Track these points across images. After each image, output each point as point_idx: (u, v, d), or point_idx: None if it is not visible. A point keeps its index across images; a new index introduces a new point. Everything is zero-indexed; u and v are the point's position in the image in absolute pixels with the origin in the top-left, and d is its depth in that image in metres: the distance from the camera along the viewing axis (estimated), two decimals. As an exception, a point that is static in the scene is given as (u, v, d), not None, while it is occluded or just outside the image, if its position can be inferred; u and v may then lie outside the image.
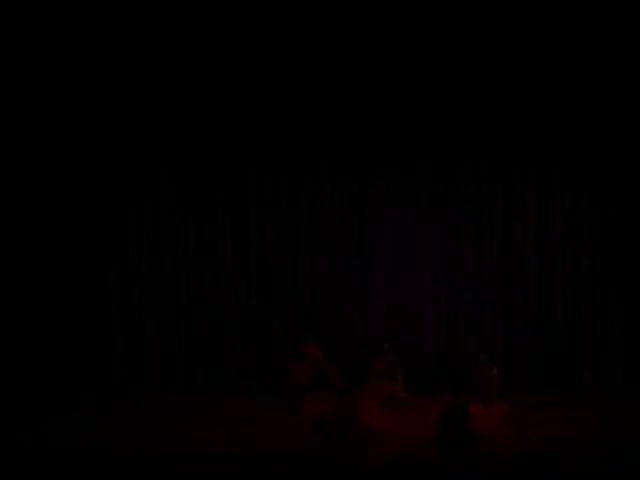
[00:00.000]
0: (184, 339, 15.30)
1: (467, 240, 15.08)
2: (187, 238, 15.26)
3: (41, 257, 14.83)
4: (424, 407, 12.82)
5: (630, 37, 13.98)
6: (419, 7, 14.03)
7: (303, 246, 15.26)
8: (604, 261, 14.89)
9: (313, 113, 14.83)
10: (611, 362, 14.89)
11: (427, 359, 14.95)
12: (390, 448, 11.67)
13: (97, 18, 14.01)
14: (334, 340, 15.06)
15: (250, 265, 15.29)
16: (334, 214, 15.22)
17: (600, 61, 14.21)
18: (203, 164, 15.19)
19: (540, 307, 15.02)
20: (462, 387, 11.94)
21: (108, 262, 15.22)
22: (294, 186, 15.24)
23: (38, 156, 14.75)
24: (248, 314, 15.19)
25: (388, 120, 14.82)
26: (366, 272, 15.19)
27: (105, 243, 15.19)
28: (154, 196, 15.26)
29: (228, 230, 15.30)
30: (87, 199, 15.02)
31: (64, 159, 14.86)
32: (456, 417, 11.60)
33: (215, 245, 15.29)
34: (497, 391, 13.34)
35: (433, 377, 14.78)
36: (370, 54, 14.36)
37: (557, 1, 13.86)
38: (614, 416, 13.15)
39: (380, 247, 15.19)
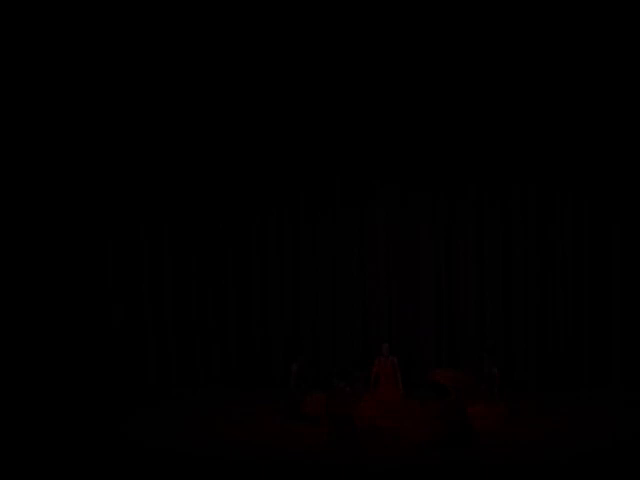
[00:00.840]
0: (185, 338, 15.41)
1: (467, 240, 15.10)
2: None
3: (42, 262, 14.84)
4: (423, 407, 12.82)
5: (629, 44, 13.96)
6: (418, 26, 13.98)
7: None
8: (604, 267, 14.93)
9: (318, 135, 14.88)
10: (611, 361, 14.92)
11: (427, 360, 14.99)
12: (389, 448, 11.71)
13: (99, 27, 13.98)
14: (335, 340, 15.23)
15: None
16: (334, 214, 15.29)
17: (602, 82, 14.19)
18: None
19: (540, 308, 15.06)
20: (461, 387, 12.01)
21: (108, 262, 15.30)
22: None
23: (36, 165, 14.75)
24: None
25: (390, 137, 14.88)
26: (367, 274, 15.25)
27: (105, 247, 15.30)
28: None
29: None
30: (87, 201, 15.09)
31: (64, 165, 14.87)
32: (455, 416, 11.64)
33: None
34: (498, 391, 13.35)
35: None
36: (373, 74, 14.35)
37: (558, 16, 13.74)
38: (614, 415, 13.21)
39: (380, 250, 15.23)
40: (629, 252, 14.85)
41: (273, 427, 12.77)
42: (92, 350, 15.03)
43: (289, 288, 15.32)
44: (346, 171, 15.10)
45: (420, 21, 13.81)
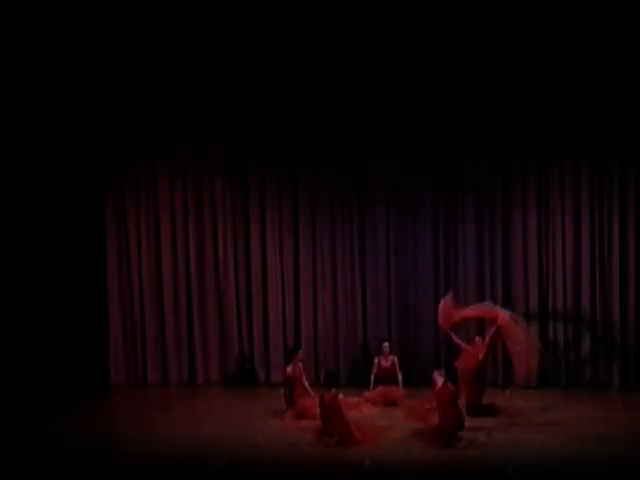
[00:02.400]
0: (184, 338, 15.38)
1: (468, 239, 15.02)
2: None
3: (41, 259, 14.76)
4: (422, 405, 12.83)
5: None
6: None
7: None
8: (603, 250, 14.71)
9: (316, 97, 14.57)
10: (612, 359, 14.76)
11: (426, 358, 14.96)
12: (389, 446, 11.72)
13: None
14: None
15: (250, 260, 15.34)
16: (334, 213, 15.24)
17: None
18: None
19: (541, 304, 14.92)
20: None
21: (107, 259, 15.30)
22: (293, 171, 15.23)
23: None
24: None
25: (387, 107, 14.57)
26: (366, 271, 15.20)
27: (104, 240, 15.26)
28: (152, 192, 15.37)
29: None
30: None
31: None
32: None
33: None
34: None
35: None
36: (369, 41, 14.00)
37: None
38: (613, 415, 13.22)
39: (380, 245, 15.17)
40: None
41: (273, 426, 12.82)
42: (87, 349, 14.98)
43: (289, 285, 15.30)
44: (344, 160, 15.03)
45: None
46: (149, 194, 15.36)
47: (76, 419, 13.40)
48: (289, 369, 13.40)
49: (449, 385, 11.79)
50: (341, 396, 11.98)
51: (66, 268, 14.69)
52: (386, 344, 14.08)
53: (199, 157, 15.22)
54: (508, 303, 14.62)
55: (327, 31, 13.93)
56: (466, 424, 12.21)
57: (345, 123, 14.81)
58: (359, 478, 10.87)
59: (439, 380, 11.84)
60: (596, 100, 14.25)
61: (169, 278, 15.31)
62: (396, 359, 14.01)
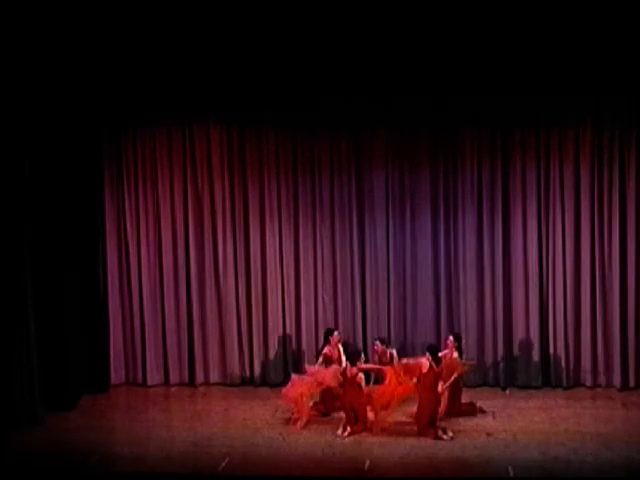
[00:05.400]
0: (184, 338, 15.38)
1: (470, 236, 14.97)
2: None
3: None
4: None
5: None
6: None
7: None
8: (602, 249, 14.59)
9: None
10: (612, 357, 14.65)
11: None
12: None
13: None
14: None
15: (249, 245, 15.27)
16: (334, 213, 15.23)
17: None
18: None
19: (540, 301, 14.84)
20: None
21: (107, 258, 15.25)
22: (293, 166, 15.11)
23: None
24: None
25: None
26: (366, 271, 15.16)
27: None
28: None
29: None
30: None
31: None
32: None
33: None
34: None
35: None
36: None
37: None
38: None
39: (380, 244, 15.15)
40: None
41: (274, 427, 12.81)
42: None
43: (289, 284, 15.26)
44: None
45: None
46: (148, 195, 15.30)
47: (75, 419, 13.41)
48: (327, 350, 13.36)
49: (435, 368, 12.04)
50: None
51: (65, 267, 14.65)
52: (377, 343, 14.01)
53: (198, 154, 15.14)
54: (509, 302, 14.72)
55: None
56: (466, 424, 12.33)
57: (344, 121, 14.75)
58: (359, 477, 10.90)
59: (426, 364, 12.09)
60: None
61: (170, 278, 15.25)
62: (394, 351, 13.92)
